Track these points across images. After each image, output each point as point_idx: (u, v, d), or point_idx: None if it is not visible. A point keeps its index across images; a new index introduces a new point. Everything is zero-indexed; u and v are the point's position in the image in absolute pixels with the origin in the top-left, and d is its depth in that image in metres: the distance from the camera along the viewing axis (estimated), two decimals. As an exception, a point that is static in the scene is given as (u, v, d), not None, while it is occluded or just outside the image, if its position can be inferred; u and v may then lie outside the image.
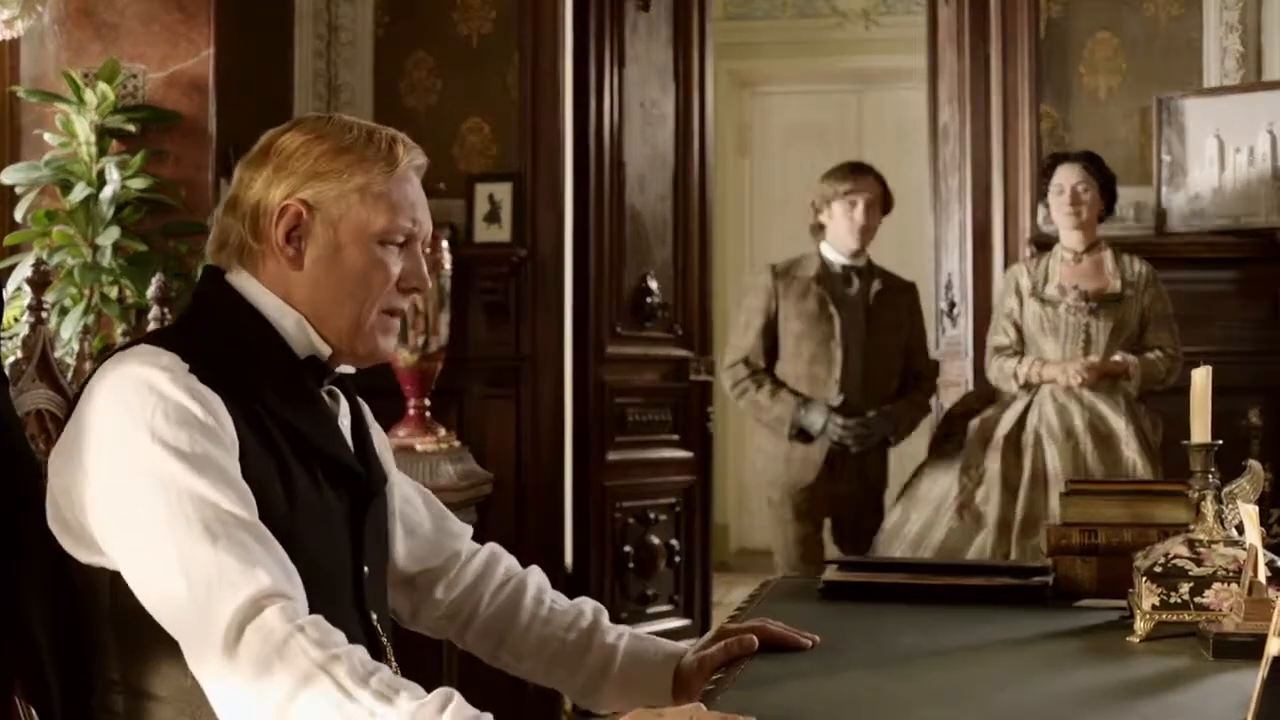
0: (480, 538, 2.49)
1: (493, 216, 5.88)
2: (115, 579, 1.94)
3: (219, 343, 2.05)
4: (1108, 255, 5.47)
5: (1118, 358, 5.39)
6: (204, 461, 1.90)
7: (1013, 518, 5.36)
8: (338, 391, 2.20)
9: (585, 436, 6.07)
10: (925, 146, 6.52)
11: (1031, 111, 5.76)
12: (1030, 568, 2.67)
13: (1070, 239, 5.49)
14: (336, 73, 5.96)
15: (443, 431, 5.54)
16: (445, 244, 5.50)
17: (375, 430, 2.31)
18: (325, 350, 2.13)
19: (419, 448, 5.38)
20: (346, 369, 2.21)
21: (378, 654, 2.12)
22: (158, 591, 1.89)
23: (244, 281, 2.11)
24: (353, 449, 2.18)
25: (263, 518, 1.95)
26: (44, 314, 4.17)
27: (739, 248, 9.79)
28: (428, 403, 5.50)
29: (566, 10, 5.93)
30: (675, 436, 6.44)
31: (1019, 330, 5.51)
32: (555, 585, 2.46)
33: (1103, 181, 5.46)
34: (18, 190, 5.09)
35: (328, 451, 2.10)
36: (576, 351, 6.06)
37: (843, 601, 2.53)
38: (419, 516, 2.40)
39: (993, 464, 5.45)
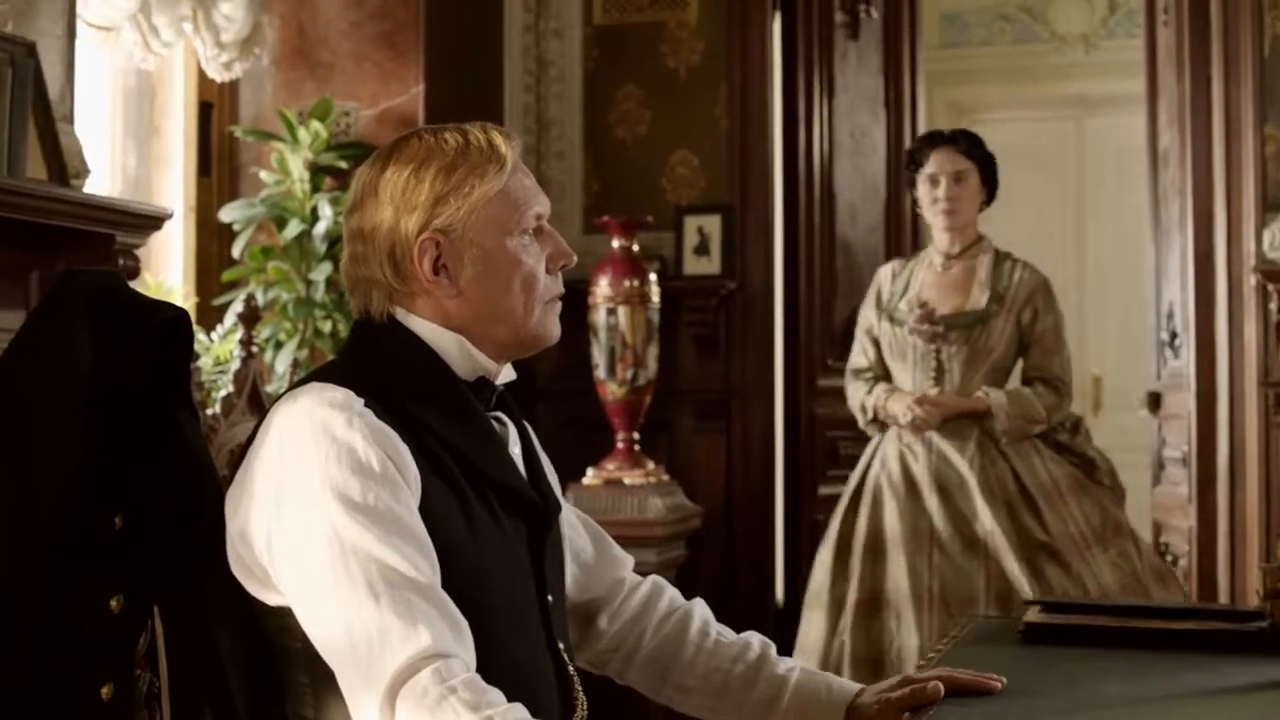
0: (690, 573, 2.45)
1: (702, 249, 5.86)
2: None
3: (387, 375, 2.03)
4: (984, 262, 4.70)
5: (981, 393, 4.57)
6: (374, 513, 1.89)
7: (845, 595, 4.55)
8: (505, 418, 2.17)
9: (796, 470, 6.00)
10: (1146, 173, 6.34)
11: (1256, 134, 5.54)
12: (1246, 612, 2.54)
13: (941, 240, 4.73)
14: (546, 107, 6.00)
15: (651, 465, 5.52)
16: (654, 276, 5.50)
17: (543, 456, 2.28)
18: (491, 366, 2.10)
19: (627, 481, 5.37)
20: (508, 377, 2.16)
21: (565, 684, 2.10)
22: (324, 643, 1.89)
23: (401, 316, 2.09)
24: (525, 476, 2.15)
25: (448, 553, 1.93)
26: (254, 349, 4.27)
27: (956, 278, 9.65)
28: (636, 436, 5.49)
29: (775, 41, 5.90)
30: (887, 470, 6.34)
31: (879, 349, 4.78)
32: (766, 621, 2.42)
33: (984, 167, 4.72)
34: (235, 227, 5.21)
35: (503, 481, 2.07)
36: (787, 384, 6.01)
37: (1043, 645, 2.43)
38: (583, 543, 2.35)
39: (832, 524, 4.74)
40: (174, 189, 5.37)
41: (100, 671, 1.97)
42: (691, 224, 5.88)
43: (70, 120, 3.99)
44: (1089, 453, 4.67)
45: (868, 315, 4.81)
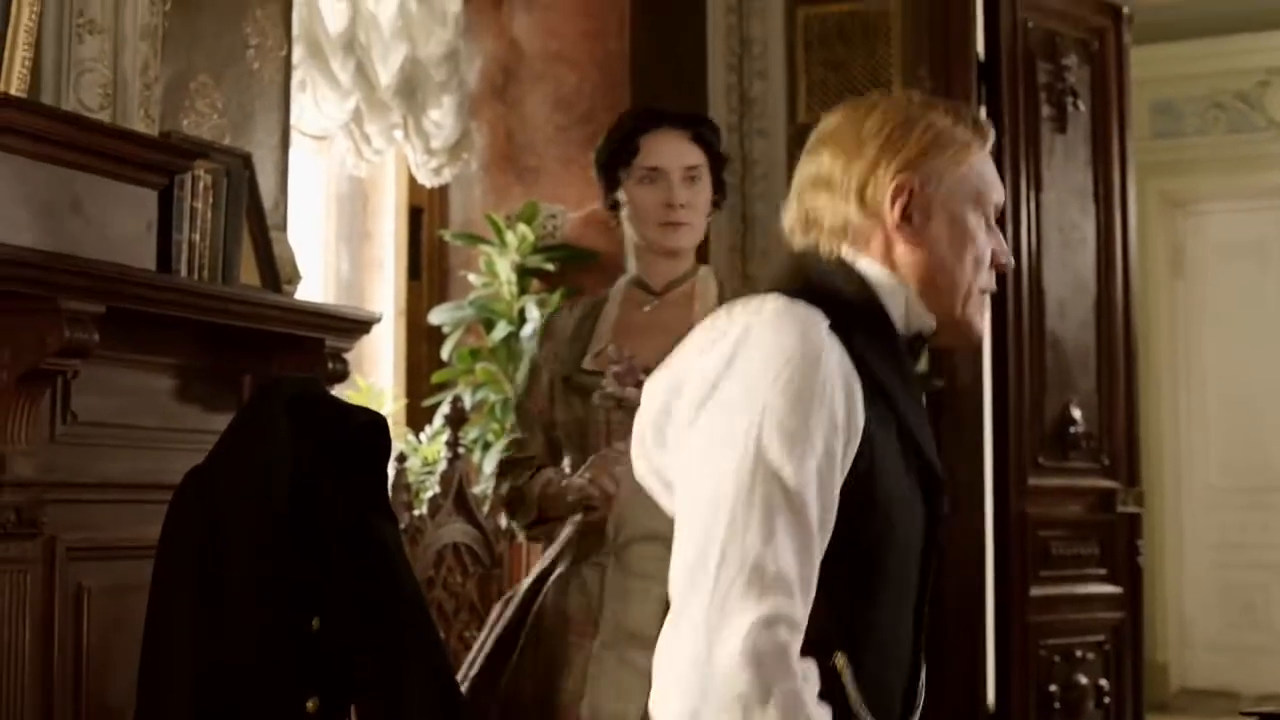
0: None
1: (909, 346, 5.81)
2: None
3: (841, 311, 1.94)
4: (707, 297, 3.25)
5: None
6: (802, 448, 1.81)
7: None
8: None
9: (1007, 570, 5.87)
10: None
11: None
12: None
13: (651, 268, 3.30)
14: (751, 205, 6.02)
15: (858, 564, 5.46)
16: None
17: None
18: (931, 323, 2.04)
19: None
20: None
21: (916, 656, 2.01)
22: (683, 548, 1.82)
23: (850, 256, 2.03)
24: None
25: (874, 502, 1.89)
26: (460, 450, 4.33)
27: (1173, 372, 9.44)
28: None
29: (981, 136, 5.85)
30: (1102, 571, 6.18)
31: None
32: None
33: (716, 163, 3.34)
34: (444, 329, 5.30)
35: (925, 453, 1.99)
36: (997, 483, 5.90)
37: (1261, 757, 2.35)
38: None
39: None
40: (385, 292, 5.49)
41: (298, 772, 1.99)
42: (899, 322, 5.83)
43: (283, 227, 4.11)
44: None
45: (538, 393, 3.24)
